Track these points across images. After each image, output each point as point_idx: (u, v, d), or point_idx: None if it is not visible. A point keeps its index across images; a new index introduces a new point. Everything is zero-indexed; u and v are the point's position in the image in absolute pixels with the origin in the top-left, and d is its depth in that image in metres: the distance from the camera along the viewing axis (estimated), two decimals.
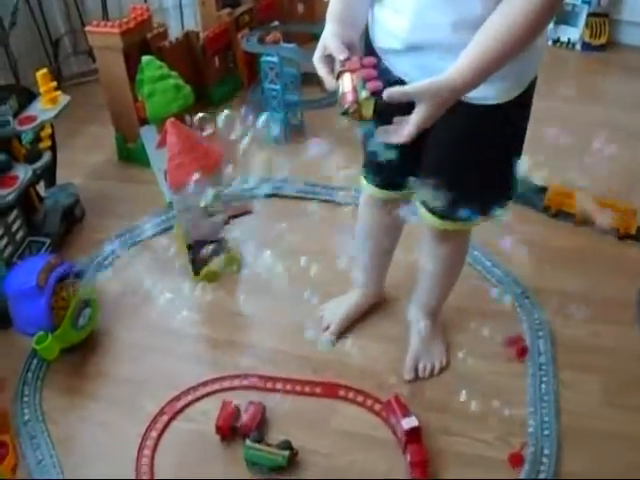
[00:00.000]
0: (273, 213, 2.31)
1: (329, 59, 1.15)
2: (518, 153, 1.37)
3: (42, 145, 2.22)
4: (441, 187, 1.27)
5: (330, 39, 1.16)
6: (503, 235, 1.62)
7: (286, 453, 1.62)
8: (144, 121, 2.32)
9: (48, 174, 2.34)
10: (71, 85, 3.12)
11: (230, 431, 1.71)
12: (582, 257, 2.20)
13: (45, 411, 1.84)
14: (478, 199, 1.40)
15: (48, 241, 2.23)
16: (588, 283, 2.08)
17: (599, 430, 1.68)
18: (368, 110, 1.06)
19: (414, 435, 1.62)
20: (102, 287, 2.10)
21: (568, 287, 2.06)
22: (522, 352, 1.84)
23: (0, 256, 2.03)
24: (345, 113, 1.06)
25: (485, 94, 1.22)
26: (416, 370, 1.83)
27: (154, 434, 1.76)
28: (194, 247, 2.02)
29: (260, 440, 1.66)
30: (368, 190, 1.68)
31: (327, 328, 1.94)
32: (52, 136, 2.29)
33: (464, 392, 1.70)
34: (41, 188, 2.38)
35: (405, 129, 1.08)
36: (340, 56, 1.11)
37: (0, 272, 1.98)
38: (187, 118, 2.18)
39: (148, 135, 2.26)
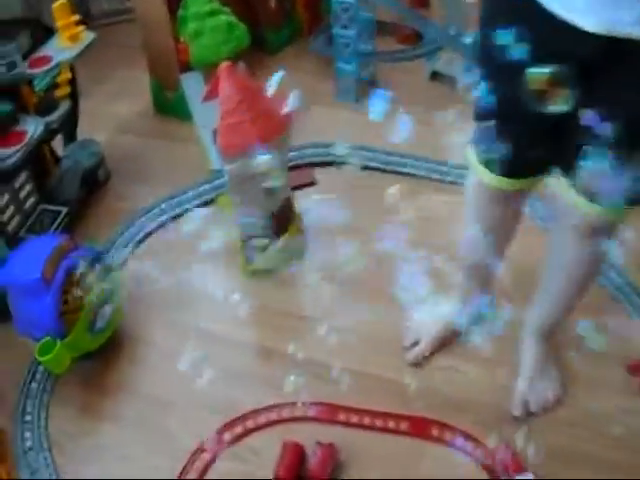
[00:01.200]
0: (341, 185, 1.86)
1: None
2: None
3: (59, 93, 1.79)
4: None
5: None
6: None
7: None
8: (187, 67, 1.84)
9: (66, 128, 1.91)
10: (100, 25, 2.64)
11: None
12: None
13: (51, 435, 1.45)
14: None
15: (64, 210, 1.82)
16: None
17: None
18: None
19: None
20: (127, 277, 1.66)
21: None
22: None
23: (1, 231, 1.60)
24: None
25: None
26: (526, 404, 1.42)
27: (192, 476, 1.35)
28: (247, 231, 1.57)
29: None
30: (489, 180, 1.23)
31: (415, 344, 1.53)
32: (72, 82, 1.83)
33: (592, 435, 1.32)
34: (58, 146, 1.95)
35: None
36: None
37: (0, 252, 1.55)
38: (240, 65, 1.71)
39: (191, 84, 1.79)
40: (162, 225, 1.85)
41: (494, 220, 1.32)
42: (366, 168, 1.90)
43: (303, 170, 1.88)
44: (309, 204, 1.75)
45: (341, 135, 1.86)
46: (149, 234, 1.84)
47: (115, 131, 2.20)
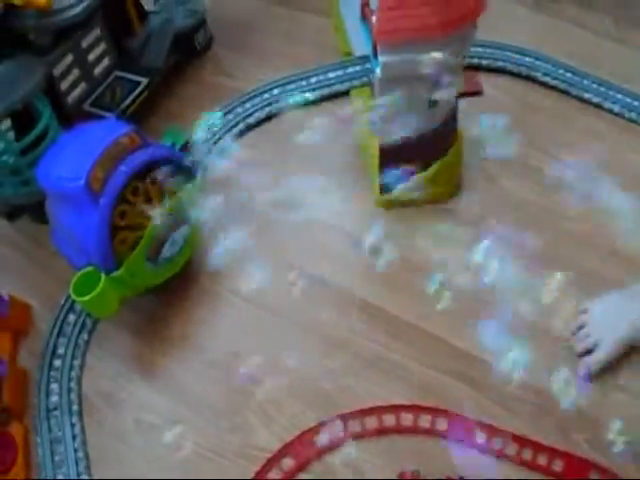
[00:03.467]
0: (516, 101, 1.37)
1: None
2: None
3: None
4: None
5: None
6: None
7: None
8: None
9: None
10: None
11: None
12: None
13: (85, 394, 1.07)
14: None
15: (145, 81, 1.39)
16: None
17: None
18: None
19: None
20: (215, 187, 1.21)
21: None
22: None
23: (53, 104, 1.18)
24: None
25: None
26: None
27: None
28: (388, 150, 1.10)
29: None
30: None
31: (589, 351, 1.05)
32: None
33: None
34: None
35: None
36: None
37: (50, 134, 1.14)
38: None
39: None
40: (271, 117, 1.40)
41: None
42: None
43: (467, 73, 1.38)
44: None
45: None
46: (251, 127, 1.39)
47: None
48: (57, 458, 1.01)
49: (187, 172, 1.07)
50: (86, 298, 0.96)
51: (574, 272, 0.87)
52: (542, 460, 0.97)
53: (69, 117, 1.28)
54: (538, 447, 0.97)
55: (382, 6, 0.95)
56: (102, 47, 1.35)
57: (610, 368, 1.03)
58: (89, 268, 0.98)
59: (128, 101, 1.35)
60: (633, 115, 1.34)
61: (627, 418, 0.93)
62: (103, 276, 0.97)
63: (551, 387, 0.87)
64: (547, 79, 1.41)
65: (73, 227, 0.97)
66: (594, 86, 1.38)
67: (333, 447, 0.99)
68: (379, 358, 1.06)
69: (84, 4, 1.15)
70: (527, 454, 0.98)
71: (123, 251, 1.00)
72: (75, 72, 1.31)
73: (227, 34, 1.59)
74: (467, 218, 1.17)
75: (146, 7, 1.47)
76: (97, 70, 1.36)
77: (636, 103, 1.35)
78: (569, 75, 1.41)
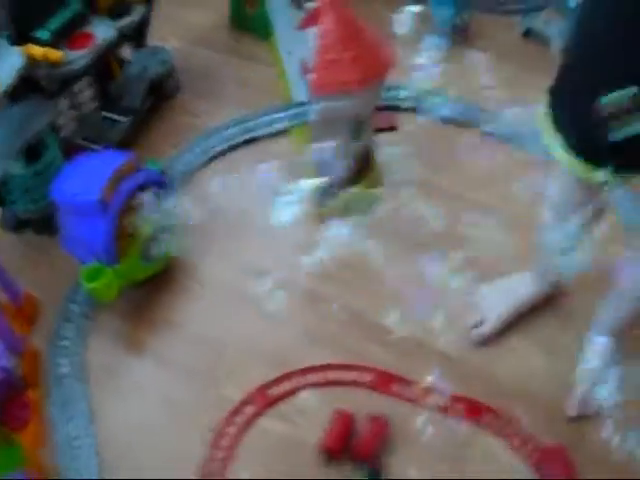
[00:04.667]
0: (420, 137, 1.72)
1: None
2: None
3: None
4: None
5: None
6: None
7: None
8: None
9: (136, 32, 1.75)
10: None
11: (340, 454, 1.20)
12: None
13: (89, 365, 1.36)
14: None
15: (126, 120, 1.69)
16: None
17: None
18: None
19: None
20: (188, 203, 1.53)
21: None
22: None
23: (57, 138, 1.48)
24: None
25: None
26: (584, 404, 1.30)
27: (232, 430, 1.27)
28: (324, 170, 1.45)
29: (378, 476, 1.19)
30: (572, 167, 1.07)
31: (481, 323, 1.40)
32: None
33: None
34: (124, 49, 1.80)
35: None
36: None
37: (55, 161, 1.44)
38: None
39: (277, 4, 1.62)
40: (231, 149, 1.73)
41: (572, 202, 1.18)
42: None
43: (384, 113, 1.73)
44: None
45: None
46: (214, 158, 1.71)
47: (188, 41, 2.04)
48: (68, 414, 1.29)
49: (170, 192, 1.40)
50: (95, 284, 1.26)
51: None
52: (448, 403, 1.29)
53: (63, 149, 1.57)
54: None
55: (316, 67, 1.29)
56: (90, 91, 1.65)
57: (503, 334, 1.38)
58: (95, 263, 1.28)
59: (113, 137, 1.65)
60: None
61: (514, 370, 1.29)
62: (109, 269, 1.27)
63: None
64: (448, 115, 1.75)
65: (85, 233, 1.27)
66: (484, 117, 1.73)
67: (284, 396, 1.30)
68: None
69: (86, 59, 1.45)
70: (439, 400, 1.30)
71: (123, 251, 1.31)
72: (69, 112, 1.61)
73: (191, 81, 1.91)
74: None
75: (125, 55, 1.78)
76: (86, 110, 1.66)
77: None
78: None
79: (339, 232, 1.37)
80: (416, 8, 1.34)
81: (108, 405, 1.31)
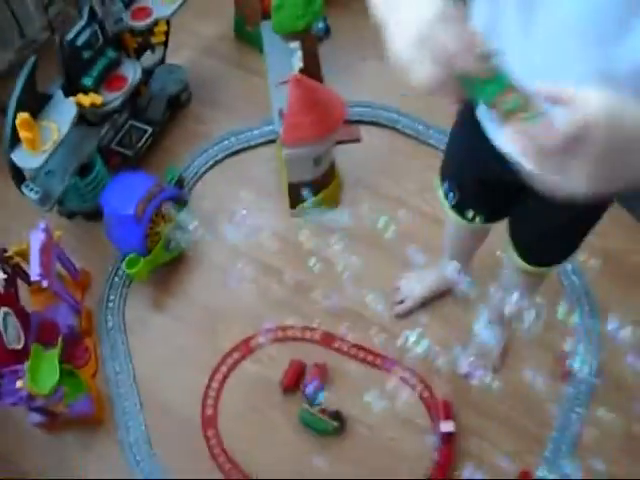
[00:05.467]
0: (382, 145, 2.24)
1: None
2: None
3: (154, 39, 2.12)
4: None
5: None
6: None
7: (336, 424, 1.75)
8: (268, 15, 2.09)
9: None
10: None
11: (294, 388, 1.82)
12: None
13: (127, 321, 1.96)
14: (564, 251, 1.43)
15: (150, 129, 2.20)
16: None
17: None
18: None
19: (448, 439, 1.72)
20: (196, 199, 2.14)
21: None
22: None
23: (98, 156, 2.04)
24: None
25: None
26: (473, 367, 1.81)
27: (224, 369, 1.88)
28: (295, 185, 2.01)
29: (315, 402, 1.78)
30: (452, 219, 1.55)
31: (401, 302, 1.94)
32: (166, 33, 2.15)
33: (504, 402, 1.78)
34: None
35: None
36: None
37: (101, 174, 2.00)
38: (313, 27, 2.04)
39: (270, 35, 2.04)
40: (230, 156, 2.25)
41: (462, 233, 1.67)
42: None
43: (350, 126, 2.18)
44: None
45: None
46: (217, 162, 2.24)
47: (198, 50, 2.49)
48: (113, 355, 1.90)
49: (183, 203, 1.97)
50: (133, 270, 1.85)
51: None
52: (370, 357, 1.88)
53: (102, 154, 2.09)
54: (369, 351, 1.88)
55: (285, 126, 1.81)
56: (124, 112, 2.17)
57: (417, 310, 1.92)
58: (132, 255, 1.87)
59: (140, 143, 2.19)
60: None
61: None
62: (142, 259, 1.86)
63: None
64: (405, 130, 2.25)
65: (124, 235, 1.86)
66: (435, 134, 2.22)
67: (259, 347, 1.90)
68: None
69: (121, 98, 1.95)
70: (363, 354, 1.90)
71: (151, 246, 1.89)
72: (106, 124, 2.14)
73: (202, 90, 2.38)
74: None
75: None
76: (119, 121, 2.18)
77: None
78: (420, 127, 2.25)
79: None
80: None
81: (140, 348, 1.91)
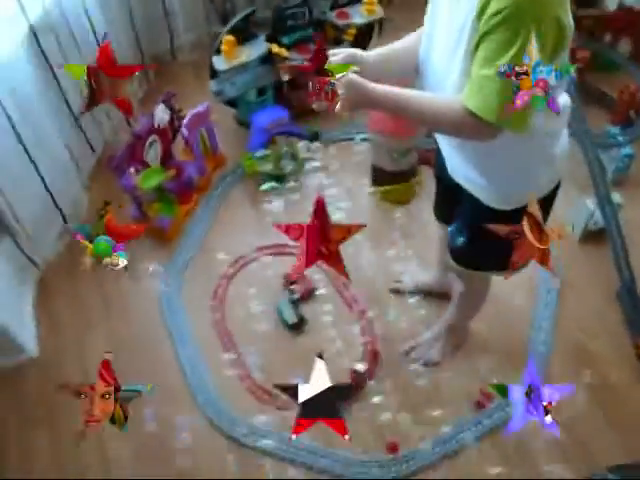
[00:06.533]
0: None
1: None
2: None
3: (345, 37, 2.83)
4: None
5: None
6: None
7: (296, 320, 2.30)
8: None
9: None
10: None
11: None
12: None
13: (232, 193, 2.82)
14: (476, 260, 1.77)
15: None
16: None
17: None
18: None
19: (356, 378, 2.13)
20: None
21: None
22: (480, 404, 2.11)
23: (271, 89, 2.88)
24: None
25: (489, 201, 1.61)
26: (412, 350, 2.22)
27: (232, 270, 2.55)
28: (375, 168, 2.67)
29: (293, 301, 2.37)
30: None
31: (401, 281, 2.39)
32: (355, 36, 2.82)
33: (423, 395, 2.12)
34: None
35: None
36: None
37: (268, 97, 2.87)
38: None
39: None
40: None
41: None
42: None
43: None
44: None
45: None
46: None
47: None
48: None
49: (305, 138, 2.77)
50: (247, 163, 2.72)
51: None
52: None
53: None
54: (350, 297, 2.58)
55: (374, 113, 2.56)
56: None
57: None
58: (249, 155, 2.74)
59: None
60: None
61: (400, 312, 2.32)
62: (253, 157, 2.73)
63: None
64: None
65: (258, 140, 2.73)
66: None
67: (253, 259, 2.57)
68: None
69: (301, 60, 2.83)
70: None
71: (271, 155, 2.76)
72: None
73: None
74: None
75: None
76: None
77: None
78: None
79: None
80: None
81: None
